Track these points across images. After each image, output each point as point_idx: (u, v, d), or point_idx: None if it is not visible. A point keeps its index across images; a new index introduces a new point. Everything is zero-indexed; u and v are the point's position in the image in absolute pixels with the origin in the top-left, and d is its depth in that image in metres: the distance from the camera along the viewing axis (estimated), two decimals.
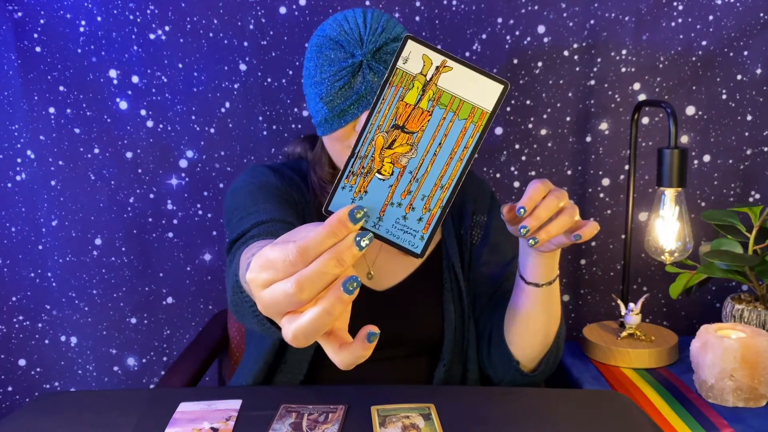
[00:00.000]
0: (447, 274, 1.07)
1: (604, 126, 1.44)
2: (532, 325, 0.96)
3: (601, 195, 1.46)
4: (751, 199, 1.45)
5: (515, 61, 1.41)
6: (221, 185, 1.46)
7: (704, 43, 1.39)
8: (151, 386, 1.53)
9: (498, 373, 1.03)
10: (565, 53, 1.41)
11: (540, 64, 1.41)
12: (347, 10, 0.96)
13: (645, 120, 1.43)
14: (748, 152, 1.43)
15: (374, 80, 0.91)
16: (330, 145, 0.99)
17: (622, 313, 1.31)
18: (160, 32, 1.39)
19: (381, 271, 1.06)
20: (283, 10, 1.39)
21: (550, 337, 0.98)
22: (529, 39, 1.40)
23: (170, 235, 1.48)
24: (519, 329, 0.97)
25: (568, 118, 1.44)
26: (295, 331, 0.45)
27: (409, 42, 0.46)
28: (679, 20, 1.38)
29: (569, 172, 1.46)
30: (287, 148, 1.19)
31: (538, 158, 1.45)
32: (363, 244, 0.44)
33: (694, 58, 1.39)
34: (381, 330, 1.09)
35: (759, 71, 1.39)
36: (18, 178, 1.44)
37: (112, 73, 1.41)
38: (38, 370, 1.52)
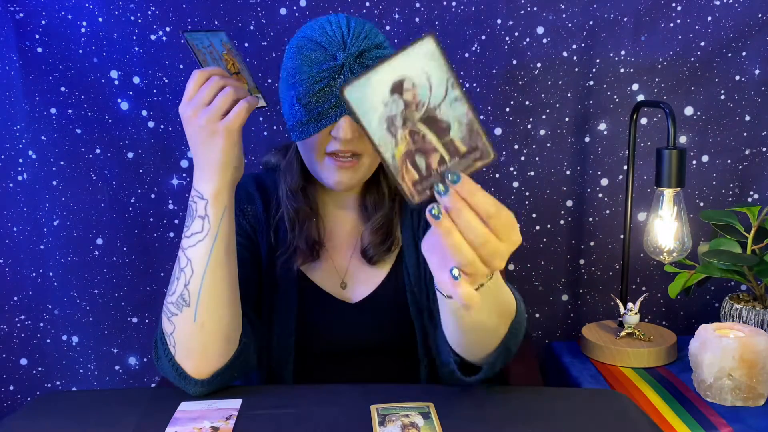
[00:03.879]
0: (407, 280, 1.03)
1: (602, 126, 1.44)
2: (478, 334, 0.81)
3: (600, 195, 1.47)
4: (749, 199, 1.46)
5: (514, 62, 1.41)
6: None
7: (703, 43, 1.39)
8: (152, 385, 1.53)
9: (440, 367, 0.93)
10: (564, 54, 1.41)
11: (539, 64, 1.42)
12: (330, 15, 0.94)
13: (644, 120, 1.43)
14: (747, 152, 1.44)
15: None
16: (304, 151, 0.96)
17: (621, 313, 1.32)
18: (161, 33, 1.40)
19: (353, 282, 1.03)
20: (283, 11, 1.39)
21: (498, 338, 0.82)
22: (528, 40, 1.41)
23: (171, 234, 1.48)
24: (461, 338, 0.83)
25: (567, 119, 1.44)
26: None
27: None
28: (678, 21, 1.39)
29: (568, 173, 1.46)
30: (264, 159, 1.14)
31: (537, 158, 1.46)
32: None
33: (692, 59, 1.40)
34: (357, 340, 1.09)
35: (757, 72, 1.40)
36: (20, 178, 1.45)
37: (114, 74, 1.41)
38: (40, 369, 1.53)
